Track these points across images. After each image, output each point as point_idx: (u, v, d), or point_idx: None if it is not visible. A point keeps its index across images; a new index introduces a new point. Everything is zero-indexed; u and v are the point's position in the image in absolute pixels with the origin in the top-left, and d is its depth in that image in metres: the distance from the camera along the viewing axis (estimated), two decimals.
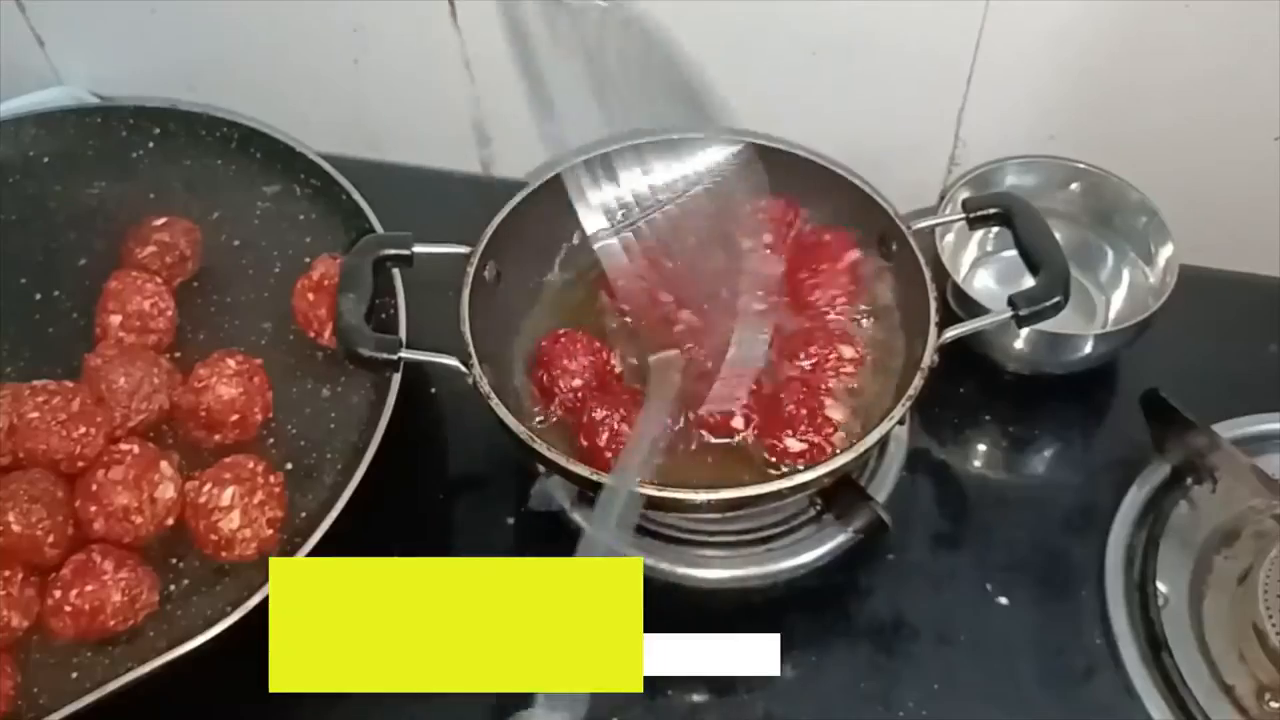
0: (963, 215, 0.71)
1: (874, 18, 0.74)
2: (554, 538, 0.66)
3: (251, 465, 0.66)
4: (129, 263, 0.77)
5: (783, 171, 0.73)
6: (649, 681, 0.58)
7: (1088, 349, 0.74)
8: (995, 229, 0.76)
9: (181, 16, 0.87)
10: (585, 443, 0.64)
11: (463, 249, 0.68)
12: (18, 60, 0.93)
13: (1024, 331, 0.72)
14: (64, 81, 0.95)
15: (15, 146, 0.86)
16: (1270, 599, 0.62)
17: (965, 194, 0.77)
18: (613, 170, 0.69)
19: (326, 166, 0.82)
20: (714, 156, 0.68)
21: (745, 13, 0.76)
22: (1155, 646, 0.64)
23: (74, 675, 0.62)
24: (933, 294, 0.67)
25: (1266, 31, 0.69)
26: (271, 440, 0.71)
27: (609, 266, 0.69)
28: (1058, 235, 0.82)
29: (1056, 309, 0.64)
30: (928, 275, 0.68)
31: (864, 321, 0.72)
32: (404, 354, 0.63)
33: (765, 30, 0.77)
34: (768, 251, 0.69)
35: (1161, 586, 0.66)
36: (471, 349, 0.64)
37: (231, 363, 0.70)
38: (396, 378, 0.69)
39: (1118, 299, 0.80)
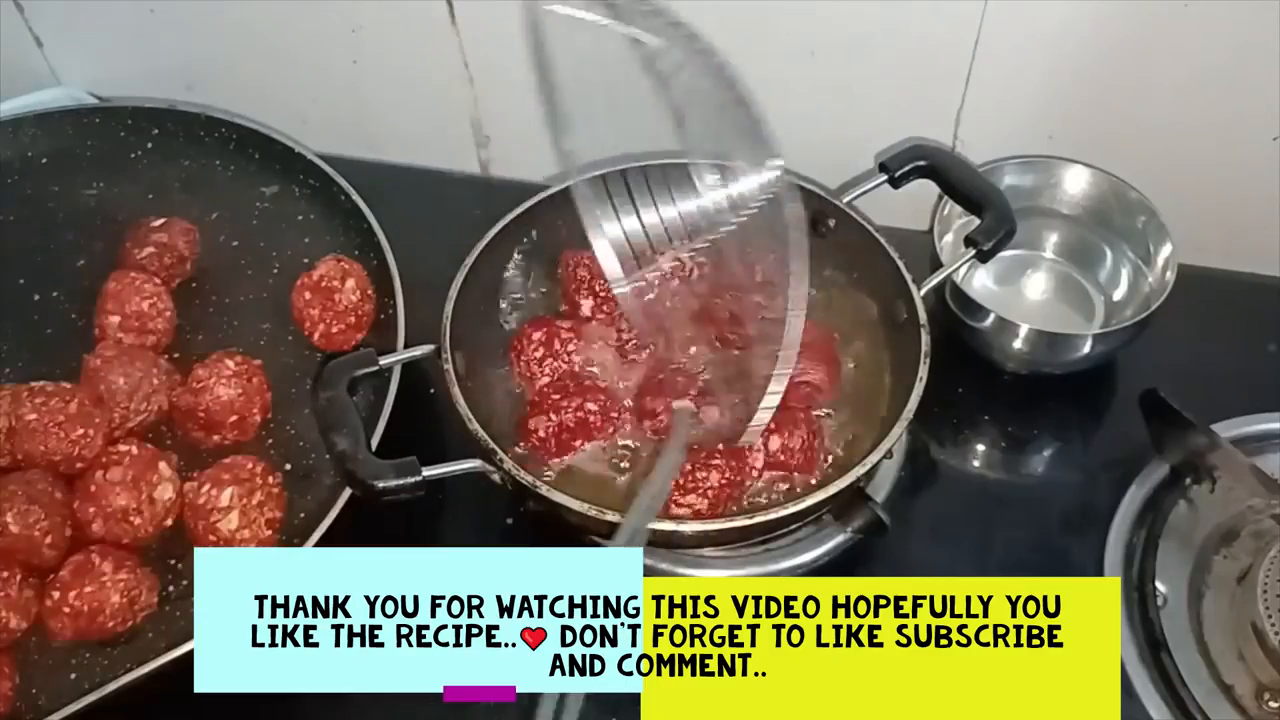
0: (885, 176, 0.71)
1: (873, 18, 0.74)
2: (552, 538, 0.65)
3: (250, 466, 0.66)
4: (128, 263, 0.77)
5: None
6: None
7: (1086, 349, 0.74)
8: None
9: (180, 17, 0.87)
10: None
11: (429, 348, 0.66)
12: (16, 61, 0.93)
13: (1023, 331, 0.72)
14: (62, 82, 0.95)
15: (13, 147, 0.86)
16: (1269, 598, 0.62)
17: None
18: (630, 201, 0.63)
19: (325, 167, 0.81)
20: (745, 186, 0.63)
21: (743, 13, 0.76)
22: (1154, 646, 0.64)
23: (73, 676, 0.62)
24: (894, 253, 0.68)
25: (1266, 31, 0.69)
26: (270, 441, 0.71)
27: (627, 310, 0.62)
28: (1055, 235, 0.83)
29: (1010, 236, 0.68)
30: (881, 238, 0.69)
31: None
32: (427, 473, 0.58)
33: (764, 31, 0.76)
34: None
35: (1160, 586, 0.66)
36: (493, 445, 0.61)
37: (230, 363, 0.70)
38: (395, 378, 0.68)
39: (1116, 298, 0.80)
